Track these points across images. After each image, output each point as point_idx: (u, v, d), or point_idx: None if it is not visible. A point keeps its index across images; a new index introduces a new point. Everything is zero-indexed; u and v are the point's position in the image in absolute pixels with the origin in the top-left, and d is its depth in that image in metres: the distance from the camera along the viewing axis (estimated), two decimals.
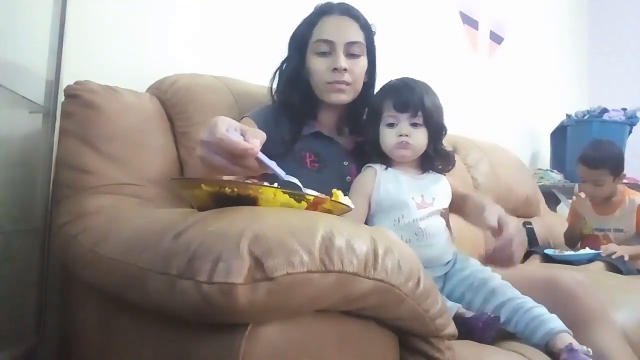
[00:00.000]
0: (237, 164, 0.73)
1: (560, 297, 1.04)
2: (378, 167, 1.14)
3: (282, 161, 1.16)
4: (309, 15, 1.22)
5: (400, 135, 1.11)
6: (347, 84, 1.17)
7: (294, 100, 1.20)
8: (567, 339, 0.94)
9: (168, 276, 0.61)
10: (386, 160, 1.15)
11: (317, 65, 1.17)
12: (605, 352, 0.99)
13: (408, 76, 1.18)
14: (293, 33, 1.23)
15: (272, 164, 0.76)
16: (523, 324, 0.98)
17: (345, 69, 1.15)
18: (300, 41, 1.20)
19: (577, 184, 2.26)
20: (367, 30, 1.21)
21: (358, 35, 1.19)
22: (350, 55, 1.17)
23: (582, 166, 2.10)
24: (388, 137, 1.13)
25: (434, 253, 1.09)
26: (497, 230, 1.05)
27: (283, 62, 1.24)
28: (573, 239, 2.24)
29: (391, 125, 1.13)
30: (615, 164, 2.07)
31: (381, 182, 1.12)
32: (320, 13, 1.20)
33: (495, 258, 1.05)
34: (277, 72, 1.25)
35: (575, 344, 0.92)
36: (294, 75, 1.21)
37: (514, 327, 1.00)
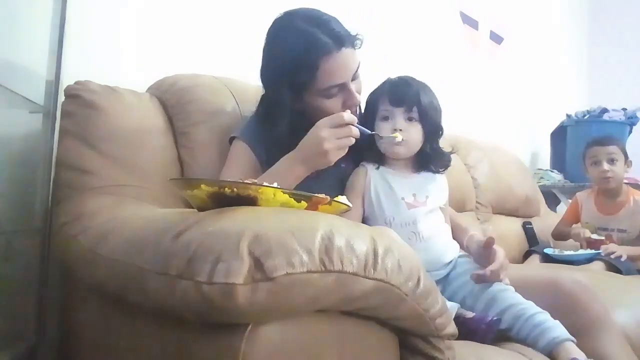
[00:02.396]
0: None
1: (563, 301, 1.02)
2: (370, 166, 1.13)
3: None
4: (302, 52, 1.04)
5: (395, 130, 1.08)
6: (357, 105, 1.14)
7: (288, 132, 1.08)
8: (571, 349, 0.92)
9: (168, 276, 0.61)
10: (380, 159, 1.14)
11: (330, 106, 1.07)
12: None
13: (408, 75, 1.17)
14: (282, 72, 1.07)
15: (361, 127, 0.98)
16: (526, 331, 0.96)
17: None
18: (300, 84, 1.06)
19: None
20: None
21: (357, 58, 1.09)
22: (354, 80, 1.10)
23: (594, 147, 2.12)
24: (382, 131, 1.10)
25: (431, 257, 1.07)
26: (486, 251, 1.06)
27: (270, 103, 1.11)
28: (563, 234, 2.24)
29: (386, 119, 1.11)
30: (623, 145, 2.13)
31: (371, 181, 1.11)
32: (320, 54, 1.03)
33: (487, 279, 1.03)
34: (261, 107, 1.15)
35: (580, 357, 0.90)
36: (289, 115, 1.08)
37: (516, 333, 0.98)
